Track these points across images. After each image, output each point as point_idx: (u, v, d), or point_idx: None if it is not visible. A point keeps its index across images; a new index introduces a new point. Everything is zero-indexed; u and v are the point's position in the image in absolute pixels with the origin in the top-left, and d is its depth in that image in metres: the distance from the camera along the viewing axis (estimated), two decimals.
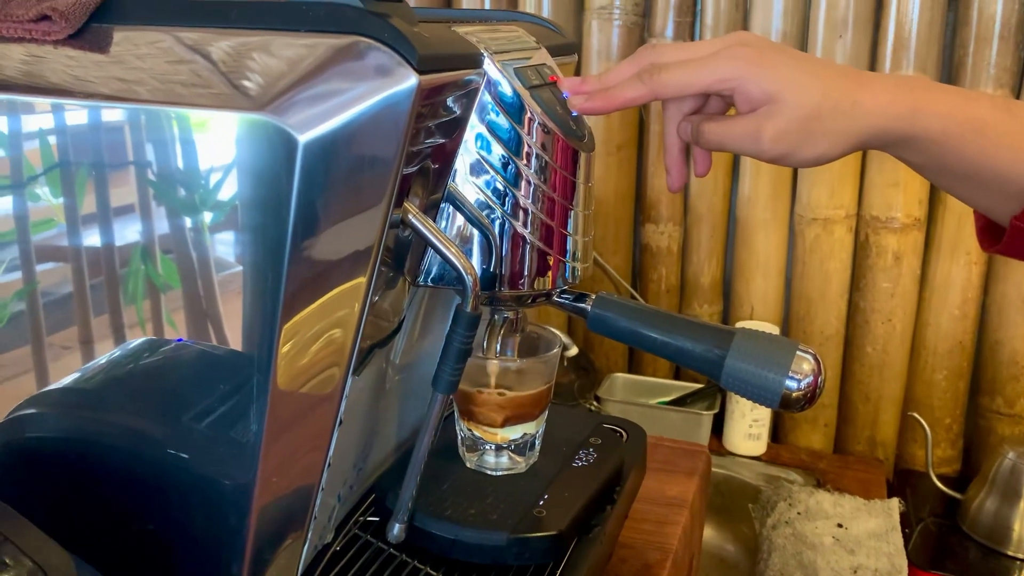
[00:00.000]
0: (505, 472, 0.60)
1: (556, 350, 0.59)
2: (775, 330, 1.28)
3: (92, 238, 0.50)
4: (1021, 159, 0.51)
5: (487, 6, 1.34)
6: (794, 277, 1.33)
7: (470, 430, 0.60)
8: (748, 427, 1.31)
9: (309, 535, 0.53)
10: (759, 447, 1.32)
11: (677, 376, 1.41)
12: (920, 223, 1.24)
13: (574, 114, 0.54)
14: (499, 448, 0.59)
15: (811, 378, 0.50)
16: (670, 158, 0.58)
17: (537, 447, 0.61)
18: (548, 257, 0.53)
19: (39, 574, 0.45)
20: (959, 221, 1.22)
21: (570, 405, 1.28)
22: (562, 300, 0.55)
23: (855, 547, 1.13)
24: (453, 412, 0.62)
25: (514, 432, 0.59)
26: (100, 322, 0.53)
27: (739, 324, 1.31)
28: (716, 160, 0.63)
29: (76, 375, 0.54)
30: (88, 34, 0.47)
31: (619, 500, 0.62)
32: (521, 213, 0.52)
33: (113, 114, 0.47)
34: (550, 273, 0.54)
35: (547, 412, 0.61)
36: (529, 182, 0.51)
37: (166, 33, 0.46)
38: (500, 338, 0.58)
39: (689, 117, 0.56)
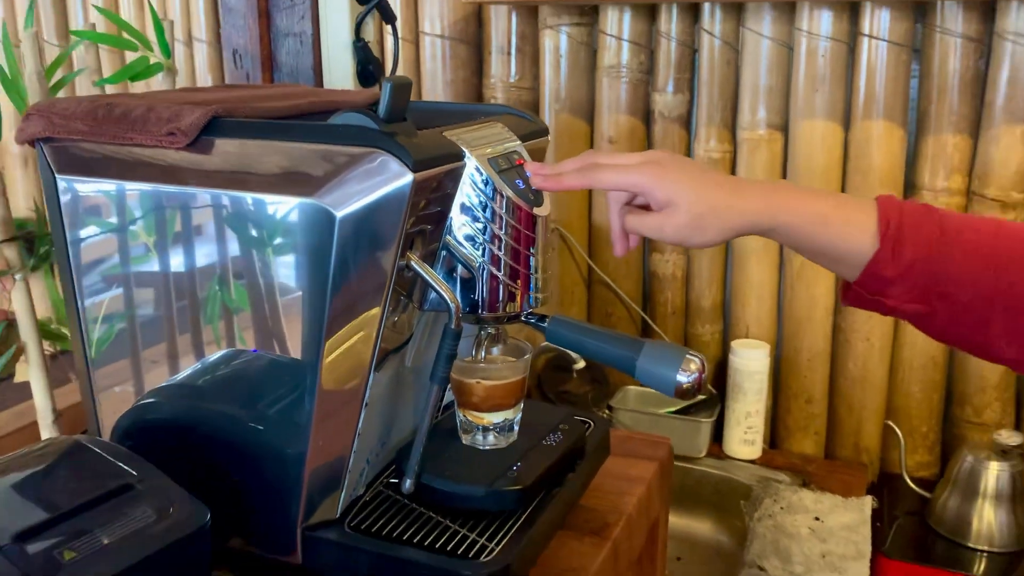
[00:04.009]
0: (491, 447, 0.80)
1: (527, 356, 0.80)
2: (766, 348, 1.45)
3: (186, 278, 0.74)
4: (854, 244, 0.68)
5: (513, 70, 1.54)
6: (784, 301, 1.47)
7: (464, 415, 0.80)
8: (743, 433, 1.46)
9: (344, 487, 0.74)
10: (754, 451, 1.46)
11: None
12: None
13: (534, 188, 0.75)
14: (486, 429, 0.80)
15: (696, 374, 0.69)
16: (613, 234, 0.76)
17: (515, 430, 0.81)
18: (515, 289, 0.74)
19: (169, 506, 0.67)
20: None
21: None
22: (527, 320, 0.76)
23: (827, 536, 1.27)
24: (454, 402, 0.83)
25: (496, 417, 0.79)
26: (191, 336, 0.76)
27: (734, 343, 1.48)
28: None
29: (187, 372, 0.77)
30: (199, 143, 0.70)
31: (579, 468, 0.82)
32: (495, 259, 0.73)
33: (212, 197, 0.70)
34: (518, 300, 0.75)
35: (522, 404, 0.81)
36: (500, 238, 0.73)
37: (248, 143, 0.70)
38: (485, 347, 0.79)
39: (623, 206, 0.75)
